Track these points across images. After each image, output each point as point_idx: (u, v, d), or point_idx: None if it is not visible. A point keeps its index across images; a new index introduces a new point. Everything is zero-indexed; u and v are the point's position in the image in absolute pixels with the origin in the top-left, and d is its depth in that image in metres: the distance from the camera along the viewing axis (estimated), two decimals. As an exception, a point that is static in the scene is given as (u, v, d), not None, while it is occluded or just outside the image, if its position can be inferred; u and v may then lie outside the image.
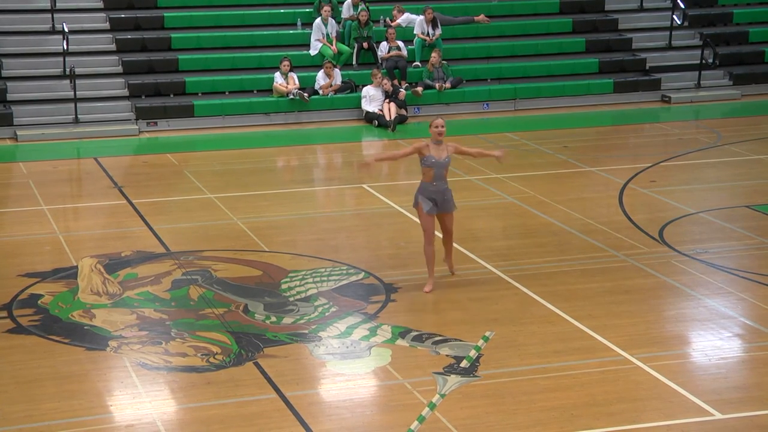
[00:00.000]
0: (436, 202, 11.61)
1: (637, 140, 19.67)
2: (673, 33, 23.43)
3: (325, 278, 12.09)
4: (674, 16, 23.48)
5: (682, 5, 23.45)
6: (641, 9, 24.14)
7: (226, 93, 20.73)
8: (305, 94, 20.37)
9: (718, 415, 8.96)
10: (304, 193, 16.05)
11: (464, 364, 9.87)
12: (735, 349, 10.39)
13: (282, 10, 22.43)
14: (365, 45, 21.58)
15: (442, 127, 11.50)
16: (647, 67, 22.82)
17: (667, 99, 22.33)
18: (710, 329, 10.73)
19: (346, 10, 22.06)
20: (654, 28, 23.79)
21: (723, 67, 23.09)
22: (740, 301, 11.44)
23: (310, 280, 12.02)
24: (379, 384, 9.66)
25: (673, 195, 15.38)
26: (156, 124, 19.88)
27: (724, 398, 9.24)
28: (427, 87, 21.14)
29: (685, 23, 23.70)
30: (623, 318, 10.97)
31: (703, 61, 22.76)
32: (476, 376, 9.64)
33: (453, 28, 22.50)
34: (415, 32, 21.89)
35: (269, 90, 20.71)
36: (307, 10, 22.28)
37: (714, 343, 10.41)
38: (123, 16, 21.45)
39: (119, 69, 20.63)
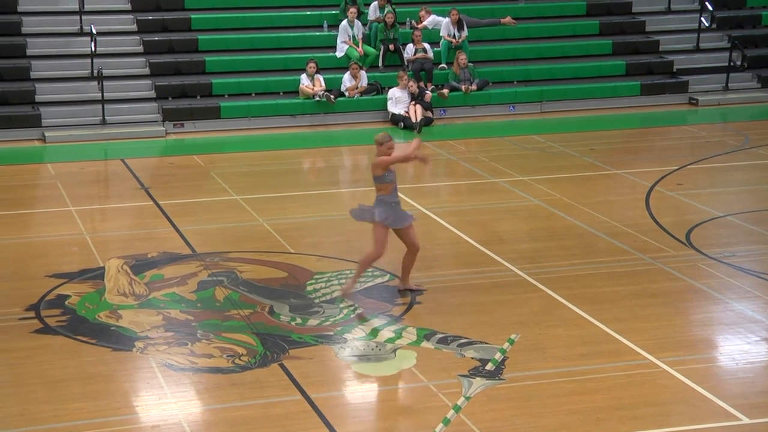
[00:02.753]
0: (397, 215, 11.43)
1: (664, 143, 19.58)
2: (700, 35, 23.32)
3: (351, 280, 12.08)
4: (702, 18, 23.37)
5: (710, 7, 23.33)
6: (669, 11, 24.03)
7: (253, 95, 20.79)
8: (331, 96, 20.40)
9: (746, 420, 8.90)
10: (330, 194, 16.07)
11: (489, 366, 9.86)
12: (763, 353, 10.32)
13: (308, 12, 22.47)
14: (391, 47, 21.58)
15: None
16: (675, 70, 22.72)
17: (694, 101, 22.22)
18: (738, 333, 10.67)
19: (373, 12, 22.07)
20: (681, 30, 23.68)
21: (751, 69, 22.96)
22: (768, 305, 11.38)
23: (336, 281, 12.03)
24: (404, 386, 9.66)
25: (700, 198, 15.30)
26: (183, 125, 19.95)
27: (751, 403, 9.18)
28: (453, 89, 21.12)
29: (713, 25, 23.58)
30: (650, 321, 10.92)
31: (731, 64, 22.63)
32: (501, 379, 9.62)
33: (479, 30, 22.48)
34: (441, 34, 21.88)
35: (295, 92, 20.75)
36: (333, 12, 22.31)
37: (741, 347, 10.34)
38: (150, 18, 21.54)
39: (146, 71, 20.72)
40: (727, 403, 9.15)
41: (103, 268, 12.45)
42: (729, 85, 22.64)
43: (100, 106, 19.67)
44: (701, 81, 22.67)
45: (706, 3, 23.37)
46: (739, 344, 10.42)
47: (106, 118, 19.69)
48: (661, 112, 21.69)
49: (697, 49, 23.31)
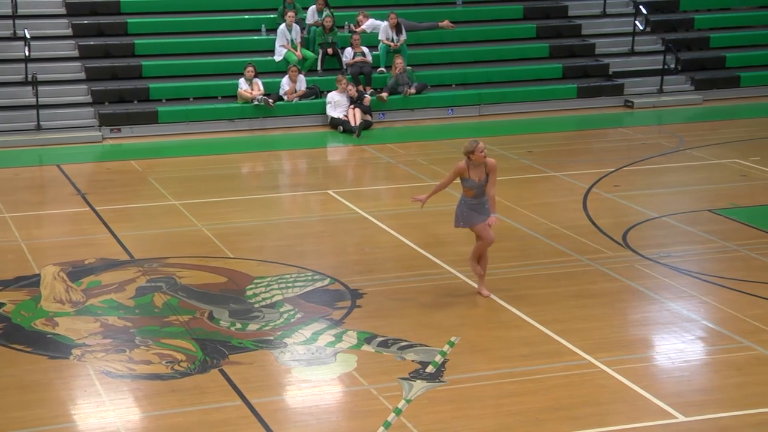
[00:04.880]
0: (472, 216, 11.48)
1: (601, 145, 19.78)
2: (635, 38, 23.59)
3: (291, 284, 12.07)
4: (637, 22, 23.65)
5: (644, 11, 23.62)
6: (604, 15, 24.27)
7: (191, 99, 20.66)
8: (270, 100, 20.34)
9: (682, 418, 9.02)
10: (270, 199, 16.01)
11: (430, 369, 9.88)
12: (698, 352, 10.47)
13: (246, 16, 22.38)
14: (330, 51, 21.58)
15: (485, 150, 11.46)
16: (610, 73, 22.95)
17: (630, 104, 22.47)
18: (674, 332, 10.81)
19: (311, 16, 22.04)
20: (617, 33, 23.93)
21: (685, 72, 23.28)
22: (703, 305, 11.53)
23: (276, 286, 12.00)
24: (344, 390, 9.66)
25: (636, 199, 15.47)
26: (120, 130, 19.77)
27: (687, 401, 9.31)
28: (392, 92, 21.15)
29: (648, 29, 23.87)
30: (588, 322, 11.02)
31: (666, 67, 22.93)
32: (442, 381, 9.65)
33: (418, 34, 22.54)
34: (379, 38, 21.91)
35: (234, 96, 20.65)
36: (272, 15, 22.25)
37: (677, 347, 10.48)
38: (86, 22, 21.32)
39: (82, 75, 20.51)
40: (664, 402, 9.26)
41: (39, 275, 12.29)
42: (663, 87, 22.93)
43: (34, 112, 19.42)
44: (636, 84, 22.94)
45: (641, 7, 23.66)
46: (675, 343, 10.56)
47: (41, 123, 19.45)
48: (597, 115, 21.91)
49: (632, 53, 23.57)
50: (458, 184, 11.78)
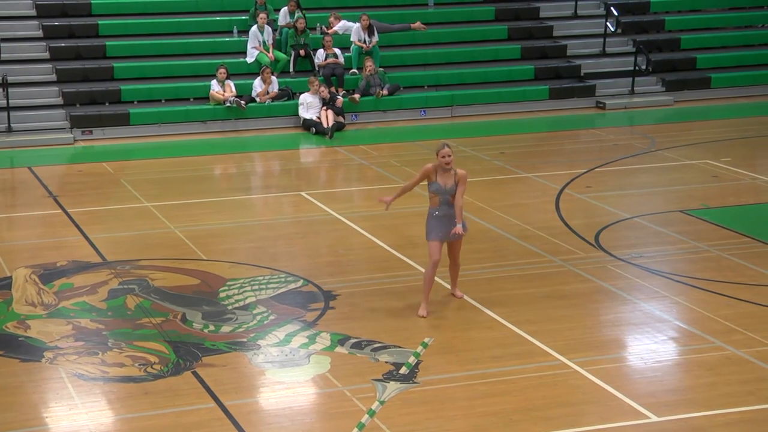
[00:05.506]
0: (443, 229, 11.14)
1: (573, 146, 19.87)
2: (606, 40, 23.72)
3: (264, 286, 12.05)
4: (608, 23, 23.78)
5: (615, 12, 23.76)
6: (575, 16, 24.40)
7: (162, 101, 20.60)
8: (242, 102, 20.31)
9: (654, 418, 9.07)
10: (242, 201, 15.99)
11: (403, 370, 9.90)
12: (670, 352, 10.53)
13: (218, 18, 22.34)
14: (302, 52, 21.56)
15: (450, 156, 10.95)
16: (582, 74, 23.06)
17: (601, 105, 22.58)
18: (646, 333, 10.86)
19: (283, 18, 22.03)
20: (588, 35, 24.06)
21: (656, 73, 23.42)
22: (675, 305, 11.60)
23: (249, 288, 11.98)
24: (318, 392, 9.65)
25: (608, 200, 15.54)
26: (91, 132, 19.68)
27: (660, 401, 9.36)
28: (364, 94, 21.16)
29: (619, 30, 24.01)
30: (561, 323, 11.06)
31: (637, 68, 23.06)
32: (415, 383, 9.67)
33: (390, 36, 22.57)
34: (351, 39, 21.92)
35: (206, 98, 20.60)
36: (243, 17, 22.22)
37: (649, 347, 10.54)
38: (57, 23, 21.21)
39: (53, 77, 20.41)
40: (637, 402, 9.31)
41: (10, 277, 12.22)
42: (635, 88, 23.06)
43: (5, 114, 19.31)
44: (608, 85, 23.06)
45: (612, 8, 23.79)
46: (648, 344, 10.62)
47: (12, 125, 19.34)
48: (569, 116, 22.01)
49: (604, 54, 23.70)
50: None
